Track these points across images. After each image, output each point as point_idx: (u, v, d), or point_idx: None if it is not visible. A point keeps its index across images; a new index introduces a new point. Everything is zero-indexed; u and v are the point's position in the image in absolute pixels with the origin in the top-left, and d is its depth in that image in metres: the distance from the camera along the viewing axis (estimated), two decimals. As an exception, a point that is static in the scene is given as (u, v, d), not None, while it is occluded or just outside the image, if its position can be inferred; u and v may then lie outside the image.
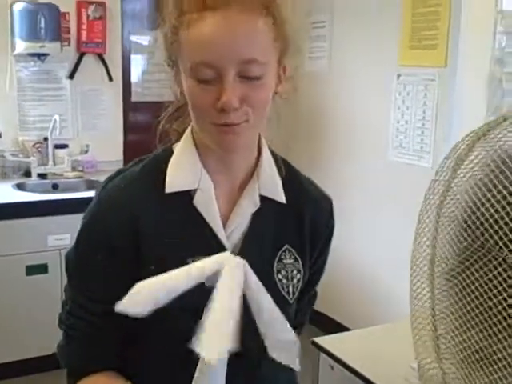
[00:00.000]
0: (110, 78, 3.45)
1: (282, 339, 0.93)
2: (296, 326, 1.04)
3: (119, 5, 3.45)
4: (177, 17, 0.92)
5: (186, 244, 0.99)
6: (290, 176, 1.09)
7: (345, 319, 3.35)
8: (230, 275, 0.85)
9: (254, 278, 0.89)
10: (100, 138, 3.49)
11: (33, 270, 2.87)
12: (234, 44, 0.87)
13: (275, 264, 1.05)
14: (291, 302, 1.06)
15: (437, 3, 2.63)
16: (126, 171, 1.04)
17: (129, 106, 3.62)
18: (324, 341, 1.66)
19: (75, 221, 1.11)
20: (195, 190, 1.00)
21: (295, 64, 1.04)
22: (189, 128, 1.03)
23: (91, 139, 3.44)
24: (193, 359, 0.84)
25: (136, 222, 0.98)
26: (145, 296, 0.86)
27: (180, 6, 0.91)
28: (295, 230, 1.08)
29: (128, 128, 3.64)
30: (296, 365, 0.97)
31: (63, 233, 2.83)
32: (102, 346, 1.03)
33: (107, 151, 3.48)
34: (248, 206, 1.03)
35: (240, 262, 0.87)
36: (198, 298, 0.84)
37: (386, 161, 3.03)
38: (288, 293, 1.06)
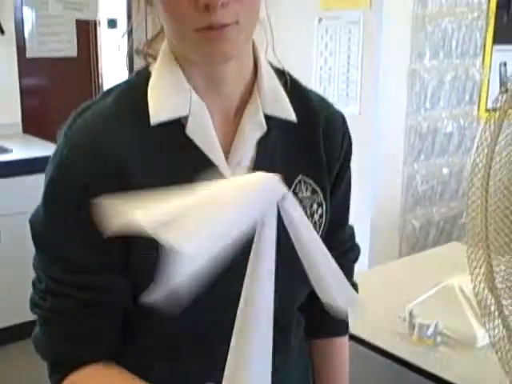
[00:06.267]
0: (2, 31, 3.15)
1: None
2: None
3: None
4: None
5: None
6: (295, 88, 0.87)
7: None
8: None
9: (298, 212, 0.63)
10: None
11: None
12: None
13: None
14: None
15: None
16: (96, 104, 0.79)
17: (24, 62, 3.33)
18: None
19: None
20: (186, 117, 0.78)
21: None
22: (164, 42, 0.81)
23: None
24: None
25: (118, 167, 0.76)
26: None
27: None
28: (309, 154, 0.87)
29: (24, 86, 3.36)
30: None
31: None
32: (94, 329, 0.80)
33: (3, 114, 3.19)
34: (252, 130, 0.81)
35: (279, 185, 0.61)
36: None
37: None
38: None
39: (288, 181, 0.84)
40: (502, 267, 0.91)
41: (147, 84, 0.80)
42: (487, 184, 0.89)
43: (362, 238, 2.58)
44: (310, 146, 0.88)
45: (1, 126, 3.13)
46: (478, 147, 0.90)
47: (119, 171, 0.76)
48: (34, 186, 2.53)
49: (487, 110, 2.88)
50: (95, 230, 0.75)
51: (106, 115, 0.78)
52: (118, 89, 0.81)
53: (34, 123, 3.35)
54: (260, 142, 0.83)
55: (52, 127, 3.52)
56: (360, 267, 1.13)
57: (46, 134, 3.17)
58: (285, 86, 0.87)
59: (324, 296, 0.64)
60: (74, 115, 0.80)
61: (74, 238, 0.78)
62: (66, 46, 3.50)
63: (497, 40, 2.81)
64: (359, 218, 2.57)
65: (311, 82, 2.80)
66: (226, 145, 0.81)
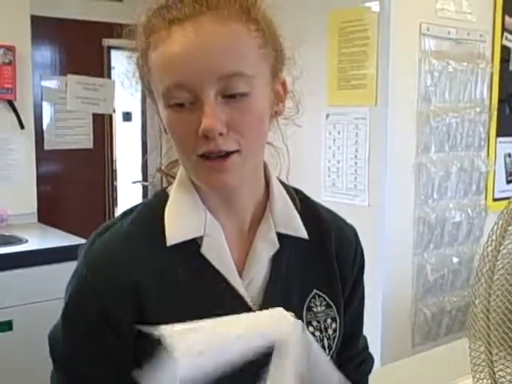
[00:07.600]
0: (22, 126, 3.24)
1: None
2: None
3: (29, 50, 3.29)
4: (145, 39, 0.77)
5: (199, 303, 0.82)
6: (306, 206, 0.92)
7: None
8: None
9: (314, 346, 0.71)
10: (11, 189, 3.23)
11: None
12: (207, 57, 0.73)
13: (304, 315, 0.86)
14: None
15: (364, 43, 2.63)
16: (115, 225, 0.85)
17: (42, 154, 3.45)
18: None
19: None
20: (201, 237, 0.82)
21: (294, 75, 0.88)
22: (181, 165, 0.86)
23: (1, 191, 3.18)
24: None
25: (136, 288, 0.79)
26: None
27: (147, 26, 0.78)
28: (322, 269, 0.90)
29: (41, 178, 3.43)
30: None
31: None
32: None
33: (20, 204, 3.24)
34: (265, 248, 0.86)
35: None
36: None
37: (319, 201, 2.90)
38: (323, 347, 0.86)
39: (302, 295, 0.88)
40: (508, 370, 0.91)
41: (164, 206, 0.85)
42: (491, 279, 0.92)
43: (373, 329, 2.57)
44: (323, 262, 0.91)
45: (17, 216, 3.18)
46: (487, 240, 0.93)
47: (136, 292, 0.79)
48: (48, 276, 2.58)
49: (494, 200, 2.93)
50: (111, 352, 0.79)
51: (124, 237, 0.83)
52: (136, 210, 0.87)
53: (49, 213, 3.41)
54: (273, 258, 0.87)
55: (67, 217, 3.55)
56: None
57: (61, 224, 3.22)
58: (296, 203, 0.91)
59: None
60: (94, 235, 0.85)
61: (91, 356, 0.81)
62: (83, 139, 3.63)
63: (500, 133, 2.90)
64: (370, 309, 2.57)
65: (320, 175, 2.88)
66: (239, 262, 0.85)
